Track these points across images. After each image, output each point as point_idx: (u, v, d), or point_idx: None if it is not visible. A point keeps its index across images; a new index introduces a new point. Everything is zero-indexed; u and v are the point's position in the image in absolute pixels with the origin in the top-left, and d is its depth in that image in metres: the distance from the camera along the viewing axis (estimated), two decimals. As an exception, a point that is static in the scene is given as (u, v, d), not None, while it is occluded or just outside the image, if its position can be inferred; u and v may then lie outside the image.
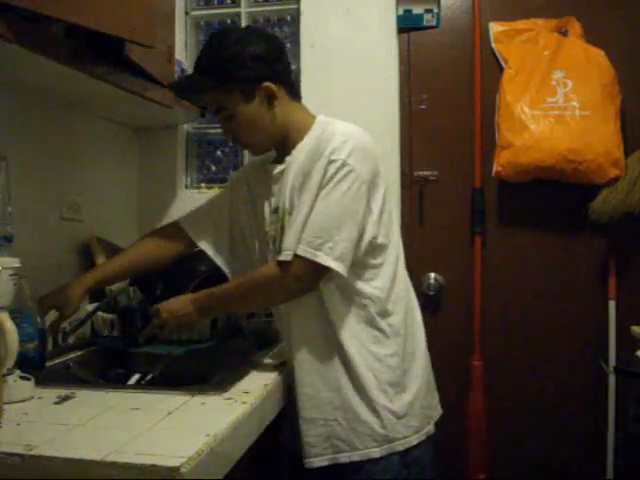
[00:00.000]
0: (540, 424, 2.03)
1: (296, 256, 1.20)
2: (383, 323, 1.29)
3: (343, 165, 1.21)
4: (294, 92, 1.37)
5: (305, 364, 1.28)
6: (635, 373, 1.74)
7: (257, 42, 1.30)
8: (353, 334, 1.26)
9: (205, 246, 1.48)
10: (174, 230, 1.52)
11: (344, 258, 1.20)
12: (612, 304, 1.97)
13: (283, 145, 1.36)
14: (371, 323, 1.28)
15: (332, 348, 1.27)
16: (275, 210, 1.34)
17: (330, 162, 1.21)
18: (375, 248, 1.29)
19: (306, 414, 1.27)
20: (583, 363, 2.01)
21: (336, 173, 1.21)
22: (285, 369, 1.37)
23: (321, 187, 1.21)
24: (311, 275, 1.22)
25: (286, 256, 1.21)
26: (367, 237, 1.26)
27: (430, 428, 1.35)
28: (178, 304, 1.34)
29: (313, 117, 1.36)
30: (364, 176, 1.23)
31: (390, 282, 1.31)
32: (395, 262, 1.33)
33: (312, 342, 1.29)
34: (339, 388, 1.26)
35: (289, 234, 1.23)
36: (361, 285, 1.28)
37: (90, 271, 1.50)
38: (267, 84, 1.29)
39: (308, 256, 1.19)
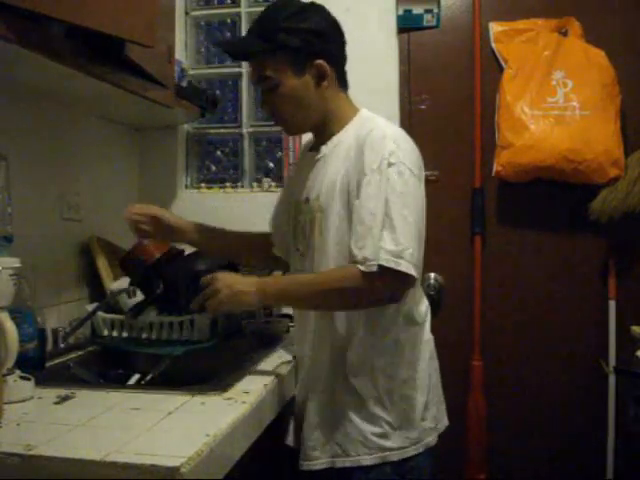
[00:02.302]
0: (540, 424, 2.03)
1: (379, 267, 1.14)
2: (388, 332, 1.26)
3: (406, 170, 1.18)
4: (344, 80, 1.34)
5: (311, 369, 1.29)
6: (635, 373, 1.74)
7: (318, 18, 1.26)
8: (357, 343, 1.24)
9: (282, 254, 1.47)
10: (267, 241, 1.50)
11: (419, 265, 1.19)
12: (612, 304, 1.97)
13: (321, 132, 1.32)
14: (375, 332, 1.25)
15: (336, 354, 1.26)
16: (306, 199, 1.30)
17: (390, 165, 1.17)
18: None
19: (309, 418, 1.27)
20: (583, 363, 2.01)
21: (402, 177, 1.17)
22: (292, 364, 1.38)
23: (392, 192, 1.16)
24: (396, 285, 1.17)
25: (370, 267, 1.14)
26: None
27: (430, 440, 1.29)
28: (240, 278, 1.27)
29: (356, 110, 1.33)
30: (421, 178, 1.23)
31: None
32: None
33: (321, 347, 1.28)
34: (339, 394, 1.25)
35: (367, 243, 1.15)
36: None
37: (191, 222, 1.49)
38: (320, 61, 1.25)
39: (391, 265, 1.13)
